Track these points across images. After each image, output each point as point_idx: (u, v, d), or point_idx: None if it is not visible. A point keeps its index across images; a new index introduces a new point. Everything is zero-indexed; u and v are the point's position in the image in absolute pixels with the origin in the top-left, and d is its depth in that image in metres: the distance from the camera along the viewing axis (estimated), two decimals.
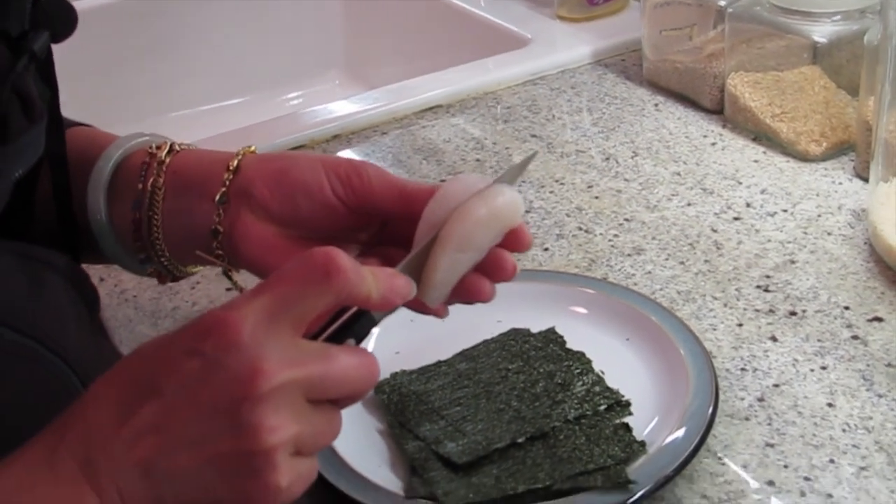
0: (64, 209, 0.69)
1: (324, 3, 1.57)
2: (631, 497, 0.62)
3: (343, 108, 1.17)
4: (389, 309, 0.55)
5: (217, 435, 0.49)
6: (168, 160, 0.68)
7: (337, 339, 0.54)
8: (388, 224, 0.67)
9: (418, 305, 0.60)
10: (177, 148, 0.69)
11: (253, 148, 0.68)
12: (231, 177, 0.66)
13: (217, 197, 0.66)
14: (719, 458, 0.68)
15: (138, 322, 0.87)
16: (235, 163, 0.66)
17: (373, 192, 0.63)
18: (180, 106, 1.48)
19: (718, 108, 1.08)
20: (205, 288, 0.88)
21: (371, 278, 0.52)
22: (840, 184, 0.95)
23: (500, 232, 0.60)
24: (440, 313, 0.62)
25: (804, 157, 0.99)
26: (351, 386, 0.52)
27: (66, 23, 0.61)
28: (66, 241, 0.69)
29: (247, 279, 0.75)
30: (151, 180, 0.68)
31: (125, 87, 1.43)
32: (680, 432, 0.66)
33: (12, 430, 0.53)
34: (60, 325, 0.60)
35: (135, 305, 0.88)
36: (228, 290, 0.85)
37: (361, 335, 0.55)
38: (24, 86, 0.58)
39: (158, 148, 0.69)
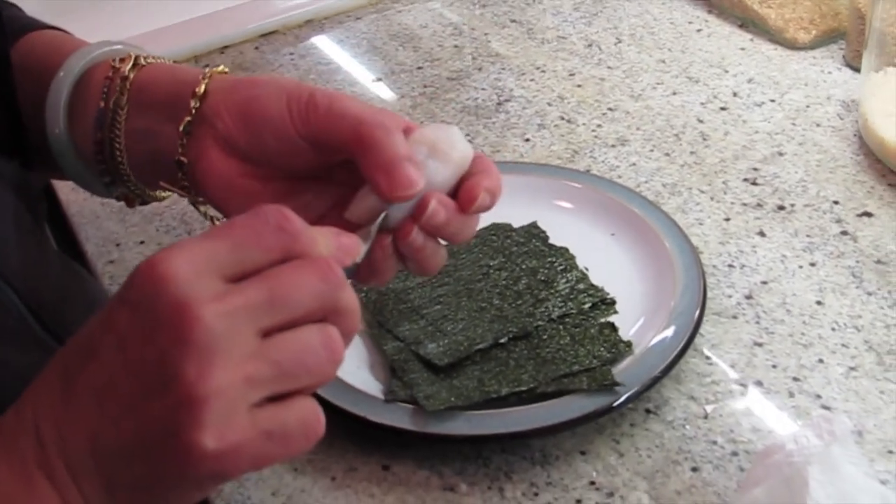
0: (9, 112, 0.64)
1: None
2: (617, 399, 0.61)
3: None
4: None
5: (149, 393, 0.42)
6: (132, 76, 0.62)
7: None
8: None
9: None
10: (142, 62, 0.63)
11: (222, 68, 0.62)
12: (197, 104, 0.59)
13: (182, 126, 0.59)
14: (707, 358, 0.66)
15: (105, 218, 0.84)
16: (203, 88, 0.59)
17: (330, 122, 0.55)
18: None
19: None
20: None
21: (323, 239, 0.46)
22: (829, 73, 0.92)
23: (441, 150, 0.53)
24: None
25: (792, 45, 0.96)
26: (312, 295, 0.44)
27: None
28: (13, 147, 0.64)
29: None
30: (114, 98, 0.61)
31: None
32: (668, 332, 0.64)
33: None
34: (2, 239, 0.56)
35: (101, 201, 0.84)
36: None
37: None
38: None
39: (122, 61, 0.62)
